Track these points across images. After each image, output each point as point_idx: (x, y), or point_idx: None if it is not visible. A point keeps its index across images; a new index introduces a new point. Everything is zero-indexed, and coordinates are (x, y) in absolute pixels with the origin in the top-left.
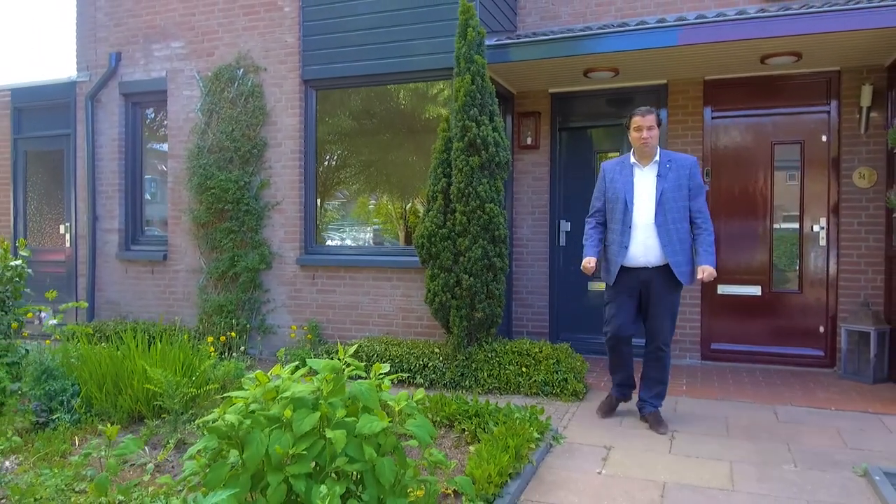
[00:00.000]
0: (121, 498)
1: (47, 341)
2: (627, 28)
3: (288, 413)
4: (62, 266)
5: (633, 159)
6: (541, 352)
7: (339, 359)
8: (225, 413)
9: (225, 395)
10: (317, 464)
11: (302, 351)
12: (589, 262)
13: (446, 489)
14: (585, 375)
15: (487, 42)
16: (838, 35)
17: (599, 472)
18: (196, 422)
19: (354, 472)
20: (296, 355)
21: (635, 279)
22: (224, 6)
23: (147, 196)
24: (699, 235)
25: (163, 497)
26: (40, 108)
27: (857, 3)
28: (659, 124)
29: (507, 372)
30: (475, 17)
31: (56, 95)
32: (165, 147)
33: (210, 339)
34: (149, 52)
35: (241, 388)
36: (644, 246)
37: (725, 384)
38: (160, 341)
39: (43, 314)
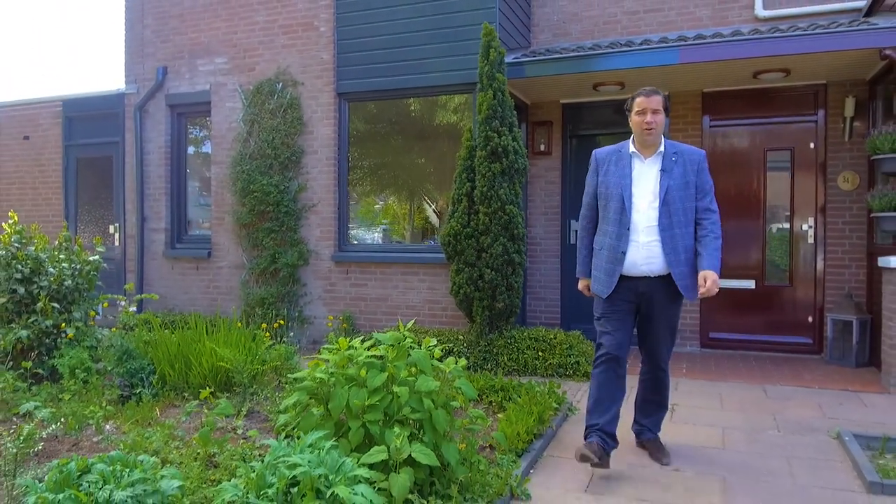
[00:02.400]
0: (215, 450)
1: (114, 329)
2: (633, 48)
3: (363, 373)
4: (112, 263)
5: (632, 148)
6: (555, 338)
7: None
8: (314, 373)
9: (281, 372)
10: (386, 413)
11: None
12: (585, 284)
13: (483, 443)
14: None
15: (506, 59)
16: (824, 54)
17: None
18: (262, 393)
19: (415, 421)
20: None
21: (633, 290)
22: (264, 25)
23: (190, 199)
24: (704, 238)
25: (249, 448)
26: (90, 117)
27: (838, 26)
28: (666, 109)
29: (524, 356)
30: (496, 38)
31: (105, 106)
32: (206, 152)
33: (264, 325)
34: (193, 67)
35: (292, 369)
36: (647, 251)
37: (721, 368)
38: (223, 328)
39: (100, 307)
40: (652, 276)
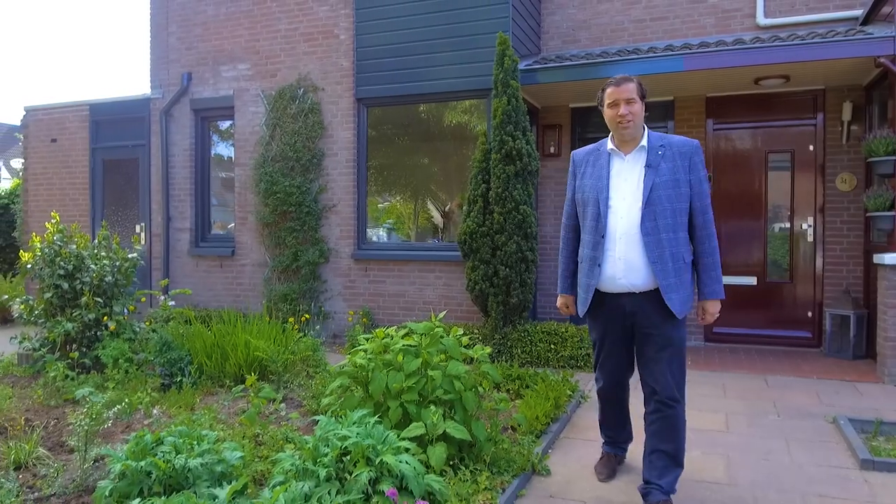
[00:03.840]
0: (258, 430)
1: (147, 322)
2: (640, 55)
3: (399, 358)
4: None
5: (610, 145)
6: (567, 331)
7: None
8: (354, 359)
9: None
10: (420, 395)
11: (357, 332)
12: (564, 302)
13: (505, 425)
14: None
15: (519, 67)
16: (821, 62)
17: None
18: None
19: (446, 402)
20: (354, 337)
21: (618, 310)
22: (286, 34)
23: (214, 200)
24: (703, 255)
25: (289, 429)
26: (116, 120)
27: (835, 35)
28: (643, 97)
29: (538, 348)
30: (510, 47)
31: (131, 110)
32: (226, 155)
33: (291, 319)
34: (217, 73)
35: (318, 361)
36: (625, 262)
37: (725, 360)
38: (255, 321)
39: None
40: (636, 291)
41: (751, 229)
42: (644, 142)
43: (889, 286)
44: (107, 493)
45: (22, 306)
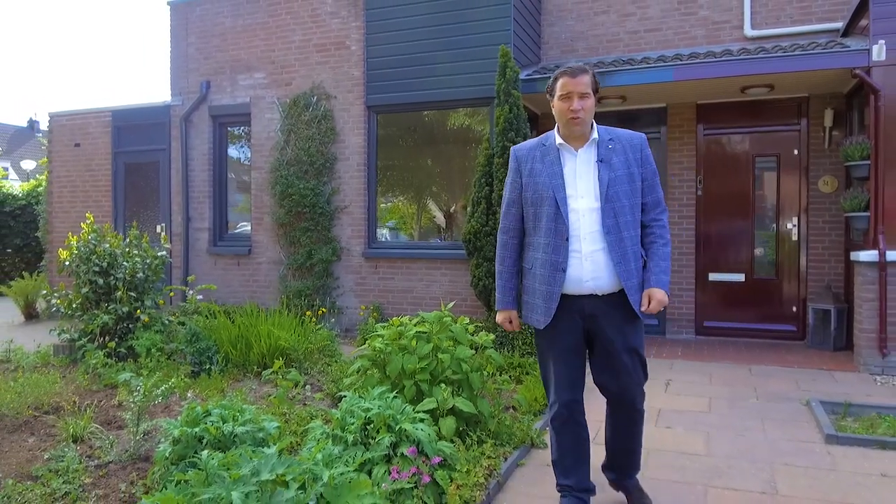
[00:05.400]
0: (286, 409)
1: (174, 315)
2: (634, 66)
3: (413, 343)
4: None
5: (558, 140)
6: None
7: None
8: (373, 344)
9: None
10: (432, 375)
11: (371, 326)
12: (506, 317)
13: (506, 405)
14: None
15: (520, 76)
16: (804, 72)
17: None
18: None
19: (455, 381)
20: (365, 330)
21: (577, 312)
22: (300, 45)
23: (230, 201)
24: (653, 245)
25: (313, 409)
26: (137, 126)
27: (815, 47)
28: (596, 91)
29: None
30: (512, 59)
31: (152, 116)
32: (243, 159)
33: (308, 313)
34: (234, 81)
35: (334, 351)
36: (592, 263)
37: (713, 352)
38: (276, 314)
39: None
40: (599, 293)
41: (739, 229)
42: (595, 135)
43: (864, 281)
44: (166, 455)
45: (58, 300)
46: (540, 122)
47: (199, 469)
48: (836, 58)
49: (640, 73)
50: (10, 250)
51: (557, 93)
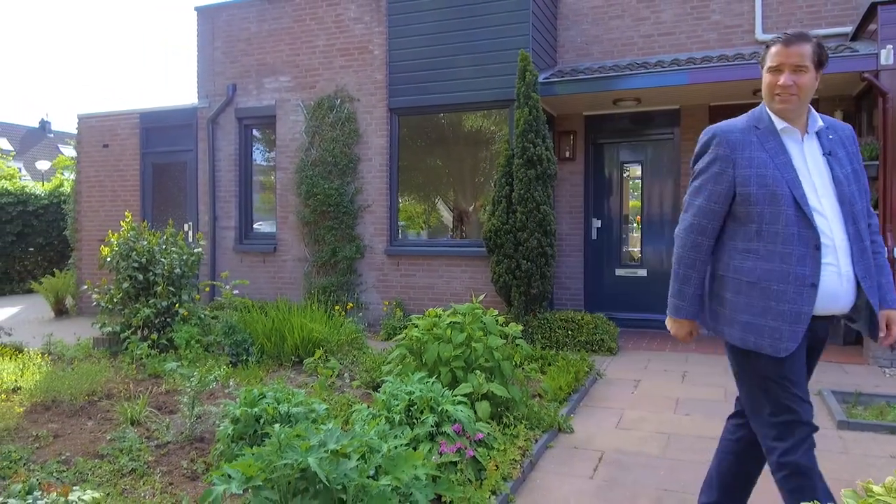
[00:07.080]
0: (325, 396)
1: (207, 309)
2: (648, 69)
3: (448, 332)
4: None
5: (780, 123)
6: (583, 319)
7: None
8: (411, 333)
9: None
10: (466, 362)
11: (394, 321)
12: (688, 328)
13: (533, 393)
14: (617, 338)
15: (539, 80)
16: None
17: (632, 393)
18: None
19: (487, 368)
20: (388, 325)
21: (812, 336)
22: (324, 49)
23: (255, 200)
24: (876, 257)
25: (350, 397)
26: (165, 128)
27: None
28: (820, 66)
29: (556, 334)
30: (531, 63)
31: (179, 118)
32: (268, 160)
33: (337, 307)
34: (260, 84)
35: (361, 344)
36: (847, 280)
37: None
38: (308, 309)
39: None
40: (841, 313)
41: None
42: (820, 122)
43: None
44: (228, 432)
45: (98, 296)
46: (556, 123)
47: (270, 441)
48: (846, 62)
49: (655, 77)
50: (32, 249)
51: (767, 63)
